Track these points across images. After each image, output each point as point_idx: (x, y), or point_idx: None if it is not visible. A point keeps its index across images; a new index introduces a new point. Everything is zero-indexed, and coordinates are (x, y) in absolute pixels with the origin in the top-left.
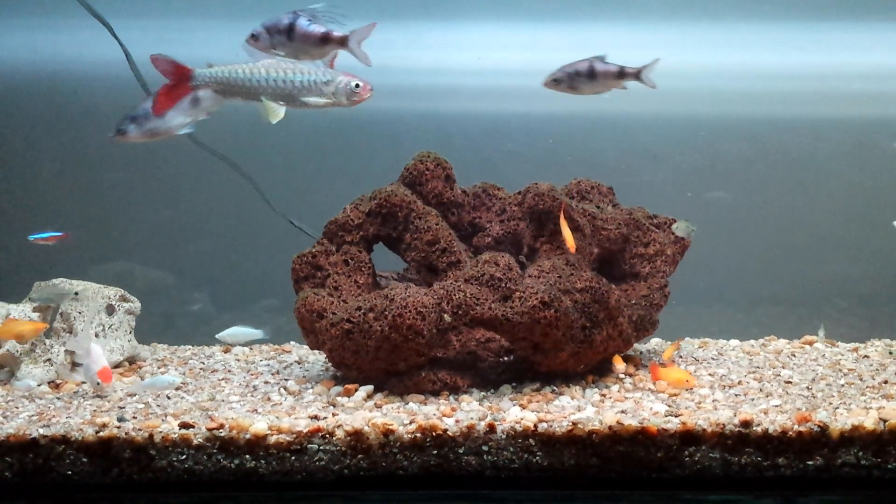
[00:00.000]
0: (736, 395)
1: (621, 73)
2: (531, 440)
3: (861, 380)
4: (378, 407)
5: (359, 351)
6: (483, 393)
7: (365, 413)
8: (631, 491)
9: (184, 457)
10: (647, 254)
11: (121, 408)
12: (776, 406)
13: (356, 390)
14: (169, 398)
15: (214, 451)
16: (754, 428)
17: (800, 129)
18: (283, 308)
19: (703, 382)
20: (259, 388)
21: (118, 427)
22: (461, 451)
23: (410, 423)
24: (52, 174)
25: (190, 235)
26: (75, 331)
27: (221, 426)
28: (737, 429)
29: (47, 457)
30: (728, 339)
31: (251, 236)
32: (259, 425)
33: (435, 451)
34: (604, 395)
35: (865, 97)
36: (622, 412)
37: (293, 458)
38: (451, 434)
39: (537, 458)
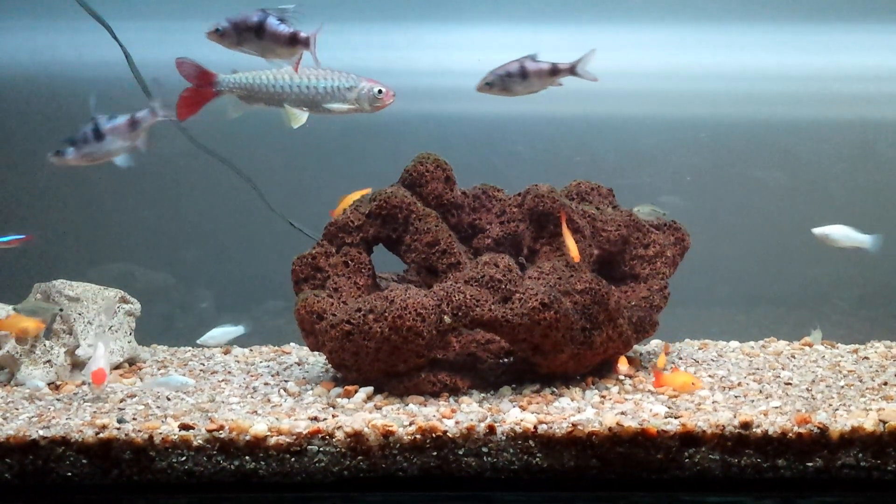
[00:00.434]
0: (736, 397)
1: (554, 70)
2: (531, 441)
3: (861, 381)
4: (378, 408)
5: (359, 352)
6: (483, 394)
7: (365, 414)
8: (631, 492)
9: (184, 458)
10: (647, 255)
11: (121, 409)
12: (776, 407)
13: (356, 392)
14: (169, 399)
15: (214, 452)
16: (754, 429)
17: (800, 131)
18: (283, 309)
19: (703, 384)
20: (259, 390)
21: (118, 428)
22: (461, 452)
23: (410, 424)
24: (52, 175)
25: (190, 237)
26: (75, 332)
27: (221, 427)
28: (736, 430)
29: (47, 458)
30: (728, 340)
31: (251, 238)
32: (259, 427)
33: (435, 453)
34: (603, 397)
35: (865, 98)
36: (622, 413)
37: (293, 459)
38: (450, 435)
39: (537, 459)
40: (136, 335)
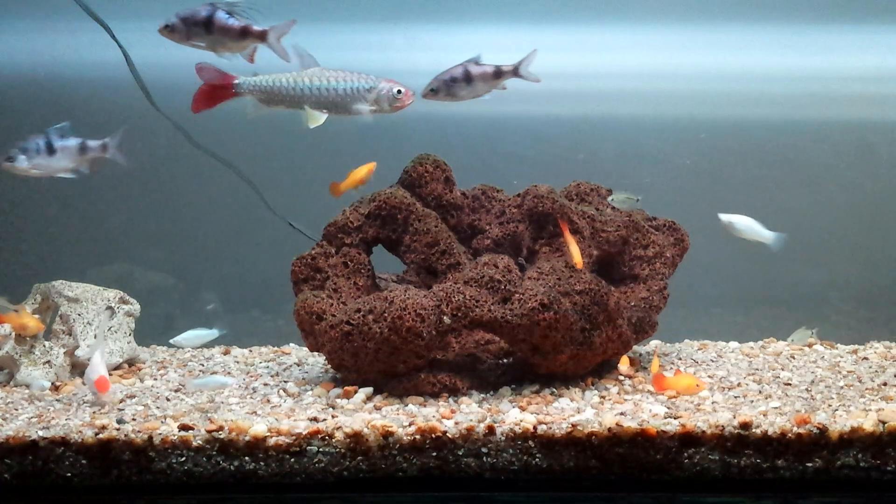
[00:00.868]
0: (735, 397)
1: (498, 73)
2: (530, 442)
3: (860, 382)
4: (377, 409)
5: (358, 353)
6: (482, 395)
7: (364, 415)
8: (630, 493)
9: (183, 459)
10: (647, 256)
11: (120, 410)
12: (775, 408)
13: (355, 392)
14: (168, 400)
15: (214, 452)
16: (753, 430)
17: (799, 131)
18: (283, 310)
19: (705, 385)
20: (258, 390)
21: (117, 429)
22: (460, 452)
23: (410, 424)
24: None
25: (189, 238)
26: (74, 333)
27: (221, 428)
28: (736, 431)
29: (47, 459)
30: (727, 340)
31: (250, 238)
32: (258, 427)
33: (434, 453)
34: (603, 397)
35: (864, 99)
36: (621, 414)
37: (292, 459)
38: (450, 436)
39: (536, 460)
40: (136, 336)
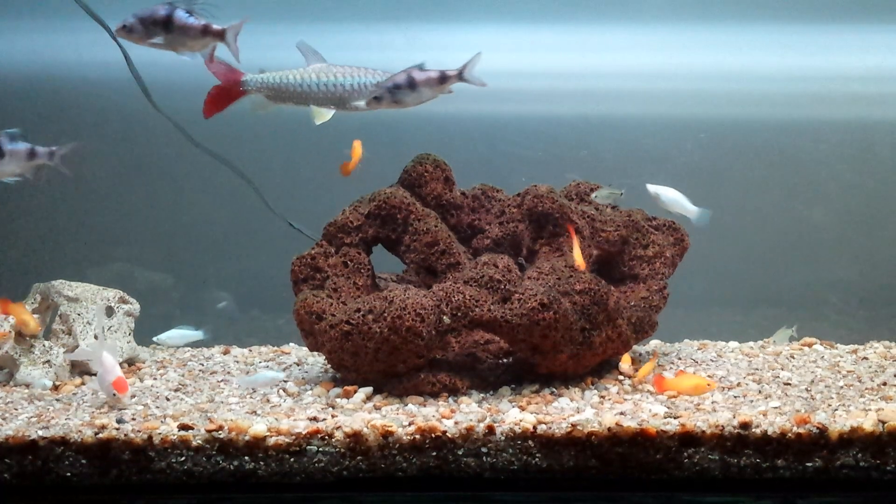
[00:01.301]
0: (735, 397)
1: (443, 78)
2: (530, 442)
3: (860, 381)
4: (377, 408)
5: (358, 353)
6: (482, 394)
7: (364, 415)
8: (630, 492)
9: (183, 458)
10: (647, 256)
11: (120, 409)
12: (775, 408)
13: (355, 392)
14: (168, 400)
15: (213, 452)
16: (753, 429)
17: (799, 131)
18: (283, 309)
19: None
20: (258, 390)
21: (117, 429)
22: (460, 452)
23: (409, 424)
24: (51, 175)
25: (189, 237)
26: (74, 333)
27: (220, 428)
28: (736, 430)
29: (46, 458)
30: (727, 340)
31: (250, 238)
32: (258, 427)
33: (434, 453)
34: (603, 397)
35: (864, 99)
36: (621, 414)
37: (292, 459)
38: (450, 436)
39: (536, 459)
40: (136, 335)
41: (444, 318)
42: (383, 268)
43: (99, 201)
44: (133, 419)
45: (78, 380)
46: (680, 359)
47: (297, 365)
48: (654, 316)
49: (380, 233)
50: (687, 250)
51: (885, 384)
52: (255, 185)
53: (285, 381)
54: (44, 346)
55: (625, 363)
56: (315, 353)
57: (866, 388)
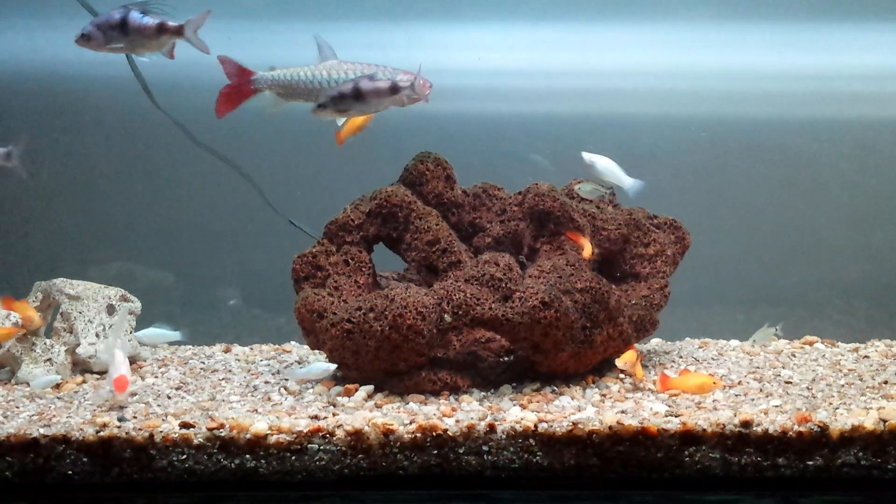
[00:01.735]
0: (736, 396)
1: (394, 89)
2: (531, 440)
3: (861, 380)
4: (378, 407)
5: (359, 351)
6: (483, 393)
7: (365, 413)
8: (631, 491)
9: (184, 457)
10: (648, 254)
11: (121, 407)
12: (776, 406)
13: (356, 390)
14: (169, 398)
15: (215, 450)
16: (754, 428)
17: (800, 130)
18: (284, 308)
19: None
20: (259, 388)
21: (118, 427)
22: (461, 451)
23: (410, 423)
24: (52, 174)
25: (190, 235)
26: (75, 331)
27: (222, 426)
28: (737, 429)
29: (48, 456)
30: (728, 339)
31: (251, 236)
32: (259, 425)
33: (435, 451)
34: (604, 396)
35: (866, 97)
36: (622, 412)
37: (293, 457)
38: (451, 434)
39: (537, 458)
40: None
41: (446, 316)
42: (384, 266)
43: (100, 199)
44: (134, 417)
45: (79, 378)
46: (681, 357)
47: (299, 363)
48: (655, 314)
49: (381, 231)
50: (688, 248)
51: (886, 383)
52: (257, 184)
53: (286, 380)
54: (45, 344)
55: (628, 358)
56: (316, 351)
57: (867, 387)
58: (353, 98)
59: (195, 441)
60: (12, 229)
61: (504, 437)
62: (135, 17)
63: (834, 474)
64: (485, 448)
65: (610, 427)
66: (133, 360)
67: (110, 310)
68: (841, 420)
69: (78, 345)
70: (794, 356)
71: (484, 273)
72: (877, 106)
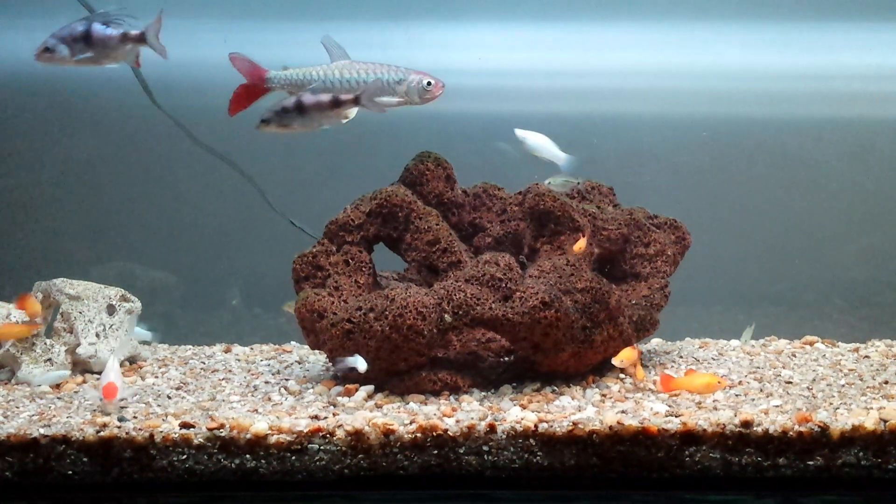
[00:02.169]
0: (736, 396)
1: (336, 103)
2: (532, 440)
3: (861, 380)
4: (378, 407)
5: (359, 351)
6: (483, 393)
7: (365, 413)
8: (631, 491)
9: (184, 457)
10: (648, 254)
11: (121, 407)
12: (777, 406)
13: (356, 390)
14: (169, 398)
15: (215, 450)
16: (755, 428)
17: (800, 130)
18: (283, 308)
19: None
20: (259, 388)
21: (119, 427)
22: (461, 451)
23: (411, 422)
24: (52, 174)
25: (190, 235)
26: (75, 331)
27: (222, 426)
28: (737, 429)
29: (48, 456)
30: (728, 339)
31: (252, 236)
32: (259, 425)
33: (435, 451)
34: (604, 395)
35: (866, 97)
36: (623, 412)
37: (294, 457)
38: (451, 434)
39: (538, 458)
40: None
41: (446, 316)
42: (385, 266)
43: (100, 199)
44: (135, 417)
45: (79, 378)
46: (681, 357)
47: (299, 363)
48: (656, 314)
49: (381, 231)
50: (688, 248)
51: (886, 382)
52: (257, 184)
53: (287, 380)
54: (45, 344)
55: (617, 359)
56: (316, 351)
57: (868, 387)
58: (296, 112)
59: (195, 441)
60: (12, 229)
61: (504, 437)
62: (98, 28)
63: (834, 474)
64: (485, 448)
65: (610, 427)
66: (133, 360)
67: (110, 310)
68: (841, 420)
69: (78, 345)
70: (795, 356)
71: (484, 273)
72: (877, 106)
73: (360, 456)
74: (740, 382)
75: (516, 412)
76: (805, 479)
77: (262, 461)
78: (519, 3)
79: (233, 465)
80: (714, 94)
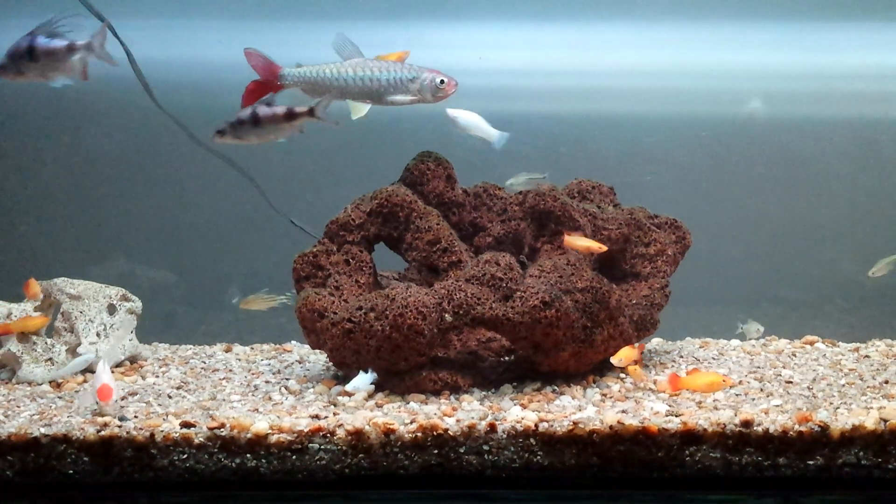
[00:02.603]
0: (737, 395)
1: (290, 115)
2: (532, 440)
3: (862, 380)
4: (379, 406)
5: (360, 350)
6: (484, 392)
7: (366, 412)
8: (632, 491)
9: (185, 456)
10: (648, 254)
11: (122, 407)
12: (777, 406)
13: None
14: (170, 398)
15: (215, 450)
16: (755, 428)
17: (800, 129)
18: (284, 307)
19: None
20: (260, 388)
21: (119, 426)
22: (462, 450)
23: (411, 422)
24: (53, 173)
25: (191, 235)
26: (76, 330)
27: (222, 425)
28: (737, 428)
29: (49, 456)
30: (729, 339)
31: (252, 236)
32: (260, 425)
33: (436, 451)
34: (605, 395)
35: (867, 97)
36: (623, 412)
37: (294, 457)
38: (451, 433)
39: (538, 457)
40: (138, 333)
41: (446, 316)
42: (385, 266)
43: (101, 199)
44: (135, 417)
45: (80, 378)
46: (681, 357)
47: (299, 363)
48: (656, 314)
49: (382, 231)
50: (689, 248)
51: (886, 382)
52: (258, 183)
53: (287, 380)
54: (46, 343)
55: (615, 358)
56: (317, 350)
57: (868, 387)
58: (251, 124)
59: (196, 440)
60: (12, 229)
61: (505, 436)
62: (41, 42)
63: (834, 474)
64: (485, 447)
65: (611, 427)
66: (134, 360)
67: (111, 309)
68: (842, 420)
69: (79, 344)
70: (795, 356)
71: (485, 272)
72: (878, 105)
73: (360, 455)
74: (741, 382)
75: (517, 412)
76: (805, 478)
77: (263, 461)
78: (519, 3)
79: (233, 464)
80: (714, 95)
